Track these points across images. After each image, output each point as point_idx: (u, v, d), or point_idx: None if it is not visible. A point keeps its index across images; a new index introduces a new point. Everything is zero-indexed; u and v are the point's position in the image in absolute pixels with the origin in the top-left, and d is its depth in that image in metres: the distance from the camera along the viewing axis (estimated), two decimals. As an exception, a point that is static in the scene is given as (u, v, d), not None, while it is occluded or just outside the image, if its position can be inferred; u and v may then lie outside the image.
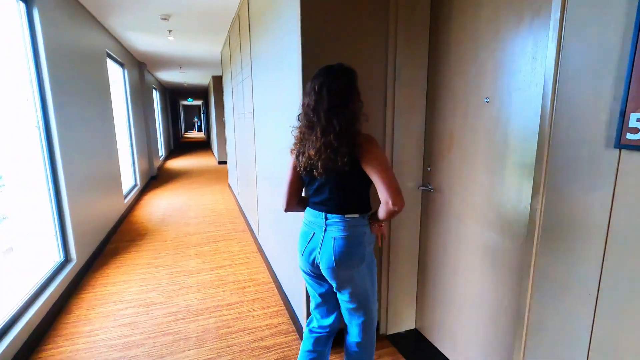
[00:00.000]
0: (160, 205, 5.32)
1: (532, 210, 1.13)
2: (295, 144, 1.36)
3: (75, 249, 2.82)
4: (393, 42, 1.75)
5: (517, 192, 1.38)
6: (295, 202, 1.46)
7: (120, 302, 2.54)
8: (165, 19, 4.03)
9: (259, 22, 2.65)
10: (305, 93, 1.29)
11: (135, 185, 5.85)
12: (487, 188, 1.52)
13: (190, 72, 8.97)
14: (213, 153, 11.98)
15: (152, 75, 9.03)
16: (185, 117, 26.84)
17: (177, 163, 10.21)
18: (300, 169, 1.34)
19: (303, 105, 1.29)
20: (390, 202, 1.20)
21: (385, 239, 1.91)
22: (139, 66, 6.95)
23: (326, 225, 1.31)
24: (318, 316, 1.52)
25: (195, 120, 27.23)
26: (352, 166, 1.22)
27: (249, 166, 3.75)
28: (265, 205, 2.96)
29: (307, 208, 1.40)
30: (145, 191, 6.25)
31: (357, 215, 1.30)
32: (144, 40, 5.20)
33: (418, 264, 2.04)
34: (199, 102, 21.27)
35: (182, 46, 5.63)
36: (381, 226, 1.41)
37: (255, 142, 3.22)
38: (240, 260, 3.26)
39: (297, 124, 1.35)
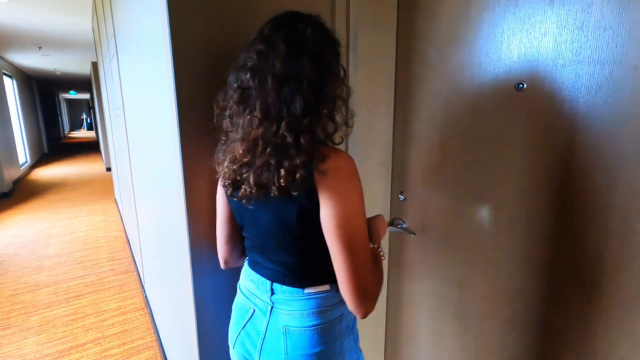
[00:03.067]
0: (2, 239, 3.75)
1: None
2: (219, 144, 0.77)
3: None
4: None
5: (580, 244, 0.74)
6: (238, 252, 0.87)
7: None
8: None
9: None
10: (242, 49, 0.69)
11: (-36, 210, 4.11)
12: (519, 237, 0.86)
13: (58, 56, 7.00)
14: (102, 157, 9.88)
15: (2, 58, 6.82)
16: (71, 114, 22.87)
17: (51, 171, 8.03)
18: (224, 187, 0.75)
19: (233, 68, 0.69)
20: (350, 304, 0.66)
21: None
22: (-31, 42, 5.02)
23: (272, 303, 0.76)
24: None
25: (84, 116, 23.17)
26: (307, 198, 0.65)
27: (126, 177, 2.68)
28: (148, 236, 1.96)
29: (245, 264, 0.86)
30: (-15, 217, 4.48)
31: (326, 288, 0.74)
32: (-41, 0, 3.56)
33: (385, 351, 1.34)
34: (86, 96, 18.08)
35: (29, 14, 4.07)
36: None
37: (129, 147, 2.19)
38: (115, 329, 2.18)
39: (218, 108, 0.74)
